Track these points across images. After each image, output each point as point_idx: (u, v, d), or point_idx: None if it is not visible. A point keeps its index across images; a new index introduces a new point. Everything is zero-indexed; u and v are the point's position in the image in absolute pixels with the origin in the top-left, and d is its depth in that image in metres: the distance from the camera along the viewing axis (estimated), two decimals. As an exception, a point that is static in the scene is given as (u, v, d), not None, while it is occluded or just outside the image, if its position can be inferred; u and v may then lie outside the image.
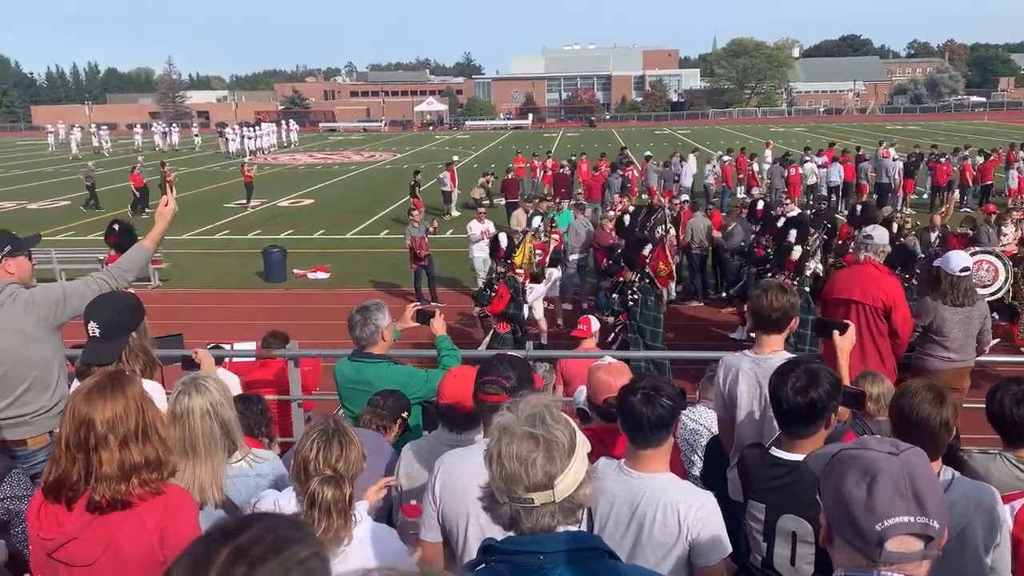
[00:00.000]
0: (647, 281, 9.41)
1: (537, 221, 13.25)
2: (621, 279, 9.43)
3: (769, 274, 9.16)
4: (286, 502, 2.44)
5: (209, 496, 2.68)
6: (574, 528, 1.83)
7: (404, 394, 4.04)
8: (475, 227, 14.14)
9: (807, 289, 8.90)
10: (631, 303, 9.28)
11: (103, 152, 51.01)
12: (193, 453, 2.70)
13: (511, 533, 1.83)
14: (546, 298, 12.37)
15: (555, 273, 12.53)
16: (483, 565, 1.82)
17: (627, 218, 11.31)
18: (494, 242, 10.09)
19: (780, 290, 3.76)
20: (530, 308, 11.47)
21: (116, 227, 10.70)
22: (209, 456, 2.71)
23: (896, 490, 1.48)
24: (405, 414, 4.03)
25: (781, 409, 2.86)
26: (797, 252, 8.90)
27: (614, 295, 9.38)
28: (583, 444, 1.83)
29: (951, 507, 1.59)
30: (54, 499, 2.27)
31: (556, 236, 12.92)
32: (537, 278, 11.39)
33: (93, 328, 3.16)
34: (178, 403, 2.74)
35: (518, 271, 10.25)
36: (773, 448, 2.94)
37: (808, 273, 9.44)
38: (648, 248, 9.61)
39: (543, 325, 11.83)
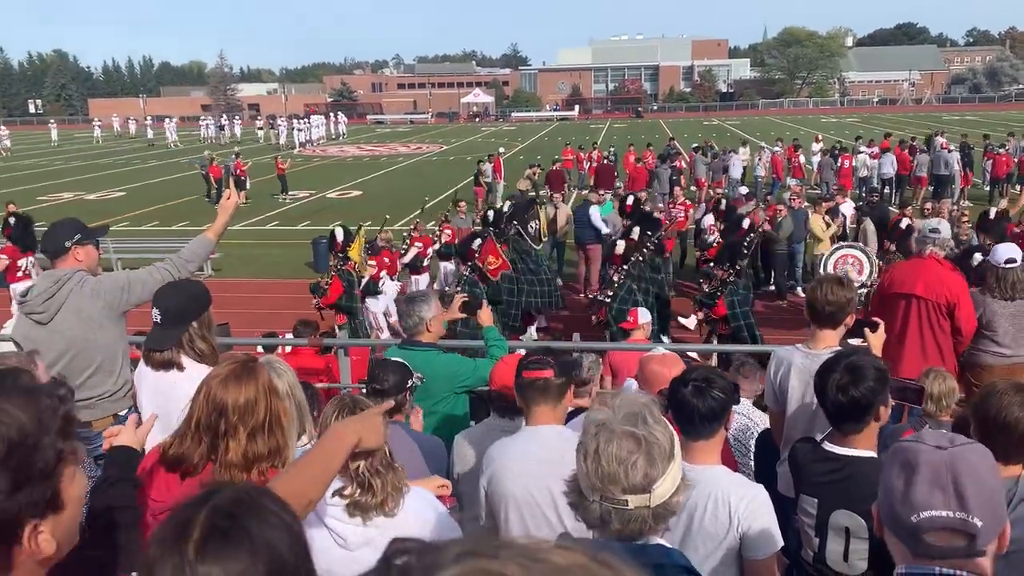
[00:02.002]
0: (474, 274, 10.07)
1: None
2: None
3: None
4: None
5: None
6: (658, 540, 1.77)
7: (408, 369, 3.59)
8: None
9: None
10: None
11: (169, 144, 52.18)
12: None
13: (565, 529, 1.79)
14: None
15: (447, 266, 12.86)
16: None
17: (491, 213, 11.34)
18: (331, 236, 10.34)
19: (837, 284, 3.71)
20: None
21: (12, 220, 11.34)
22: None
23: (935, 483, 1.47)
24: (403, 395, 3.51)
25: (828, 408, 2.85)
26: (621, 246, 9.64)
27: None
28: (679, 449, 1.77)
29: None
30: (168, 470, 2.33)
31: (448, 231, 13.22)
32: (417, 269, 11.85)
33: (156, 314, 3.27)
34: None
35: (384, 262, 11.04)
36: (825, 443, 2.91)
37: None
38: (477, 242, 10.14)
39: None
